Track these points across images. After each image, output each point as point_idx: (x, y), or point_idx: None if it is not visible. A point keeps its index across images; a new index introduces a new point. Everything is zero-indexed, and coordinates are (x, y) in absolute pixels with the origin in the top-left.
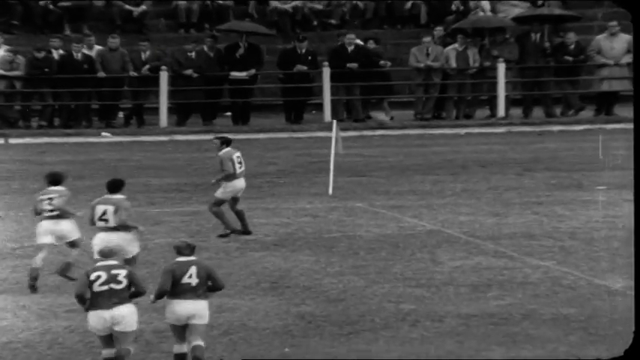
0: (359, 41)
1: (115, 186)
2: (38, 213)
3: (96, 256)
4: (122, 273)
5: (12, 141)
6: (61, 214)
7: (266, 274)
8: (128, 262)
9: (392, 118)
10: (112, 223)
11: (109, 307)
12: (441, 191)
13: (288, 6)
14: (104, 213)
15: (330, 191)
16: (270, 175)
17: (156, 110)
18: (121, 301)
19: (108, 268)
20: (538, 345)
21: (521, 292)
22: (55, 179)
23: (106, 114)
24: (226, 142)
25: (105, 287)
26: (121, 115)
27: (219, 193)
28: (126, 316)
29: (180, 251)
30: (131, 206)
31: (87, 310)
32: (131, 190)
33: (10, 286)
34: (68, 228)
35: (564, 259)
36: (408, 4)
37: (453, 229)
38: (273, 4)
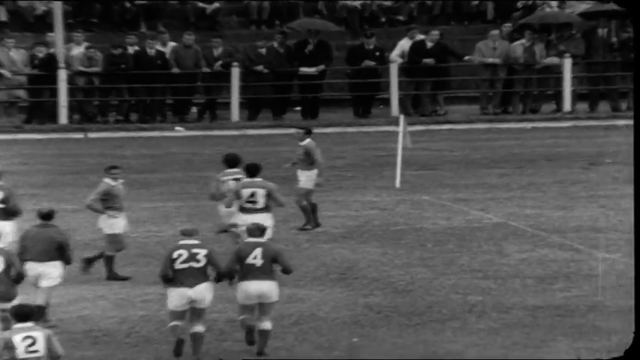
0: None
1: (255, 169)
2: (218, 198)
3: (246, 238)
4: (202, 252)
5: (91, 135)
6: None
7: (335, 266)
8: None
9: (445, 113)
10: (260, 205)
11: (191, 285)
12: (507, 184)
13: (356, 3)
14: (252, 195)
15: (398, 184)
16: (339, 169)
17: (228, 105)
18: (201, 280)
19: (189, 247)
20: (604, 336)
21: (587, 285)
22: (233, 162)
23: (180, 109)
24: (309, 132)
25: (185, 265)
26: (194, 110)
27: (304, 183)
28: (204, 292)
29: (250, 233)
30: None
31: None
32: (204, 183)
33: (89, 277)
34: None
35: (630, 251)
36: (476, 1)
37: (519, 221)
38: (343, 1)
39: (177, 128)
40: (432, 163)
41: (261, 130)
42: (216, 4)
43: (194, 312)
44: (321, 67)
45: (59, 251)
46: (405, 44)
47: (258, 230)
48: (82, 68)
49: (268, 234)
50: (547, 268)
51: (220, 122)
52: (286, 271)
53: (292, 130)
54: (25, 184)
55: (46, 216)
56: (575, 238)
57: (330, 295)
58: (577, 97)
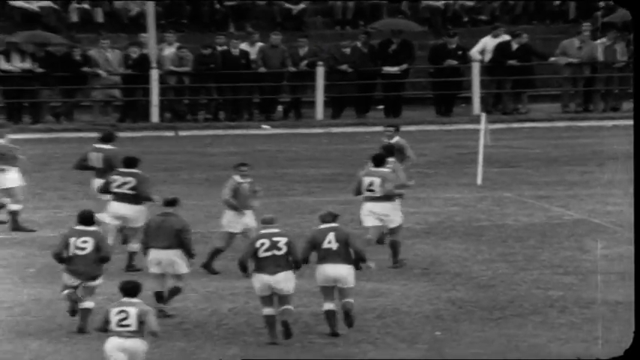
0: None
1: (380, 159)
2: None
3: (366, 224)
4: (283, 240)
5: (181, 133)
6: (386, 197)
7: (417, 261)
8: (393, 231)
9: (527, 112)
10: (378, 193)
11: (271, 272)
12: (588, 182)
13: (439, 3)
14: (371, 184)
15: (479, 181)
16: (421, 166)
17: (312, 104)
18: (282, 268)
19: (270, 236)
20: None
21: None
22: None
23: (266, 107)
24: (398, 130)
25: (268, 254)
26: (280, 108)
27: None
28: (285, 280)
29: (323, 219)
30: (396, 177)
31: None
32: (289, 180)
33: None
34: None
35: None
36: (558, 1)
37: (600, 218)
38: (426, 1)
39: (263, 126)
40: (514, 160)
41: (345, 127)
42: (302, 5)
43: (279, 298)
44: (404, 66)
45: (178, 239)
46: (487, 41)
47: (330, 216)
48: (173, 68)
49: (397, 221)
50: (628, 264)
51: (305, 120)
52: (358, 254)
53: (379, 128)
54: None
55: (170, 203)
56: None
57: (413, 289)
58: None
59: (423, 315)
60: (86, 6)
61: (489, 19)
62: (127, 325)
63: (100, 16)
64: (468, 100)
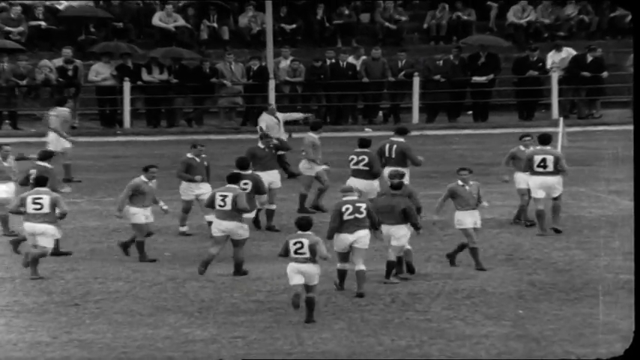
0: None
1: (548, 138)
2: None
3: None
4: (363, 205)
5: (294, 135)
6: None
7: (502, 248)
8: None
9: (600, 116)
10: (550, 169)
11: (351, 232)
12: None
13: (522, 21)
14: (543, 161)
15: None
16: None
17: (409, 109)
18: (360, 227)
19: (353, 202)
20: None
21: None
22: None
23: (369, 112)
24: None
25: (351, 217)
26: (380, 113)
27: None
28: (363, 237)
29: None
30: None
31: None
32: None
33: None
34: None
35: None
36: (628, 18)
37: None
38: (510, 19)
39: (366, 129)
40: (588, 159)
41: (437, 130)
42: (401, 23)
43: (355, 253)
44: (491, 76)
45: (404, 215)
46: (551, 55)
47: (397, 176)
48: (287, 78)
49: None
50: None
51: (403, 124)
52: (373, 222)
53: (469, 131)
54: None
55: (397, 187)
56: None
57: (498, 273)
58: None
59: (507, 295)
60: (214, 25)
61: (567, 34)
62: (302, 253)
63: (226, 34)
64: (548, 107)
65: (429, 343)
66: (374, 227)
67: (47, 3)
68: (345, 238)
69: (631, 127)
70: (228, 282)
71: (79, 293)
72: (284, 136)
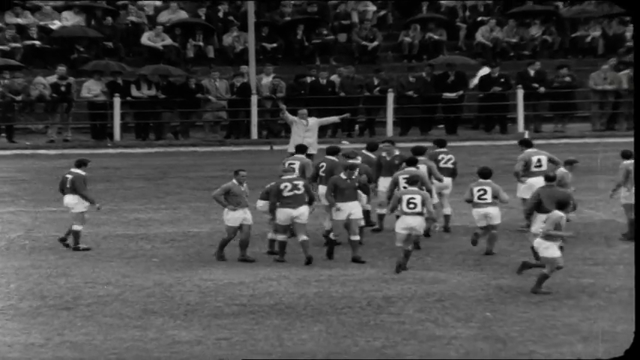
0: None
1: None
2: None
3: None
4: (418, 198)
5: (276, 147)
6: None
7: (471, 254)
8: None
9: (562, 130)
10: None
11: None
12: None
13: (489, 41)
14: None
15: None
16: (474, 175)
17: (384, 123)
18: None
19: (292, 180)
20: None
21: None
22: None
23: (346, 126)
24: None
25: (291, 193)
26: (357, 127)
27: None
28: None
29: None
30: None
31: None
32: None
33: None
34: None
35: None
36: (588, 38)
37: (624, 218)
38: (478, 38)
39: (343, 142)
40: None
41: (410, 143)
42: (376, 42)
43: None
44: (460, 92)
45: (559, 204)
46: (480, 72)
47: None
48: (269, 94)
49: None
50: None
51: (378, 137)
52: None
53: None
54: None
55: (551, 179)
56: None
57: (467, 277)
58: None
59: (476, 299)
60: (200, 44)
61: (531, 53)
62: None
63: (211, 52)
64: (514, 120)
65: (403, 344)
66: (311, 202)
67: (41, 23)
68: (289, 213)
69: (592, 140)
70: (212, 286)
71: (71, 297)
72: (315, 141)
